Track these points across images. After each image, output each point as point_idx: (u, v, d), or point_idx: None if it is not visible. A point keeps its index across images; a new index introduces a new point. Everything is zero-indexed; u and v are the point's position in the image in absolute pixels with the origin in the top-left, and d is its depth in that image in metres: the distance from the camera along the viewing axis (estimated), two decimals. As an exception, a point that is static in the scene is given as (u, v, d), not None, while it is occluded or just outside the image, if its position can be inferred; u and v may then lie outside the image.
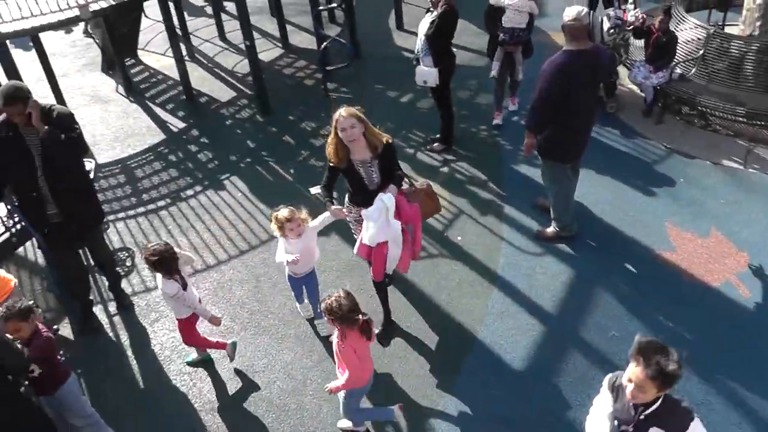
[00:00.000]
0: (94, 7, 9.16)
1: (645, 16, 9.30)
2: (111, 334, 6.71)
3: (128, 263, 7.68)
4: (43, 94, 10.84)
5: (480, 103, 9.69)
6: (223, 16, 13.19)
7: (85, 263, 7.06)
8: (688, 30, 9.60)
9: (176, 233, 8.01)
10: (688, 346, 5.79)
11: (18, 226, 6.93)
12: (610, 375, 4.00)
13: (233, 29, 12.68)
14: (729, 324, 6.13)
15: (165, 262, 5.52)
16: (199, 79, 11.58)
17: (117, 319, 6.90)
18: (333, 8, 12.22)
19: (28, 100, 5.56)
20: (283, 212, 5.81)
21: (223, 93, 11.19)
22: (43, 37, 10.22)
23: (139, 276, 7.45)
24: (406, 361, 6.05)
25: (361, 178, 5.67)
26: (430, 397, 5.71)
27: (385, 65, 11.37)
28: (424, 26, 8.07)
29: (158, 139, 10.21)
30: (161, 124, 10.61)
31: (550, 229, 7.19)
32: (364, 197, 5.70)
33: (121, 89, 11.82)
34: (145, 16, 13.47)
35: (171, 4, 11.38)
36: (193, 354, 6.35)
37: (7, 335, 4.69)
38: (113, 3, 9.34)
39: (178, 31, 11.65)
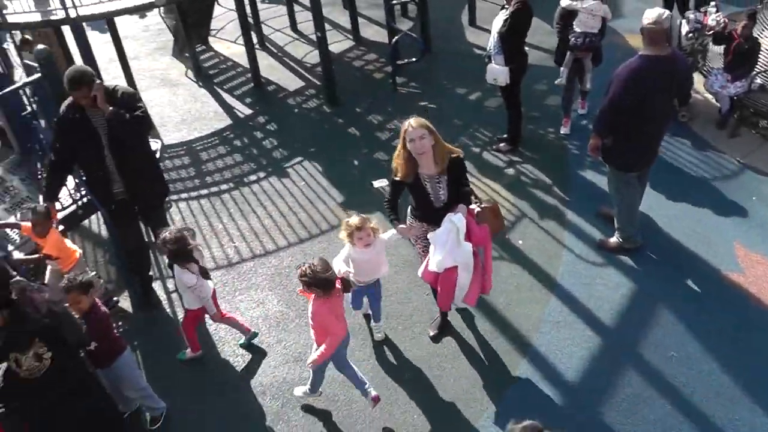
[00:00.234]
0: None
1: (727, 21, 8.83)
2: (168, 311, 6.80)
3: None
4: (114, 75, 11.20)
5: (550, 104, 9.51)
6: (296, 7, 13.25)
7: (147, 240, 7.15)
8: (774, 37, 9.05)
9: (237, 217, 8.08)
10: (753, 374, 5.60)
11: (84, 200, 7.09)
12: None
13: (305, 20, 12.74)
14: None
15: (181, 250, 5.57)
16: (268, 67, 11.67)
17: (175, 296, 6.97)
18: (406, 2, 12.17)
19: (92, 83, 5.72)
20: (354, 220, 5.55)
21: (291, 82, 11.25)
22: (118, 20, 10.44)
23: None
24: (459, 362, 5.97)
25: (427, 194, 5.38)
26: (480, 400, 5.62)
27: (455, 61, 11.25)
28: (497, 23, 7.93)
29: (224, 124, 10.32)
30: (228, 109, 10.72)
31: (613, 240, 7.01)
32: (428, 214, 5.46)
33: (190, 74, 12.01)
34: (218, 4, 13.64)
35: (245, -7, 11.50)
36: (188, 351, 6.30)
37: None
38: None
39: (250, 20, 11.75)
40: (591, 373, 5.77)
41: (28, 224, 6.12)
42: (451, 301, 5.57)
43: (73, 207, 7.11)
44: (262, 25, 12.79)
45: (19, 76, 7.78)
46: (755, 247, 6.96)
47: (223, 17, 13.85)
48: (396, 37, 10.38)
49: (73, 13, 8.58)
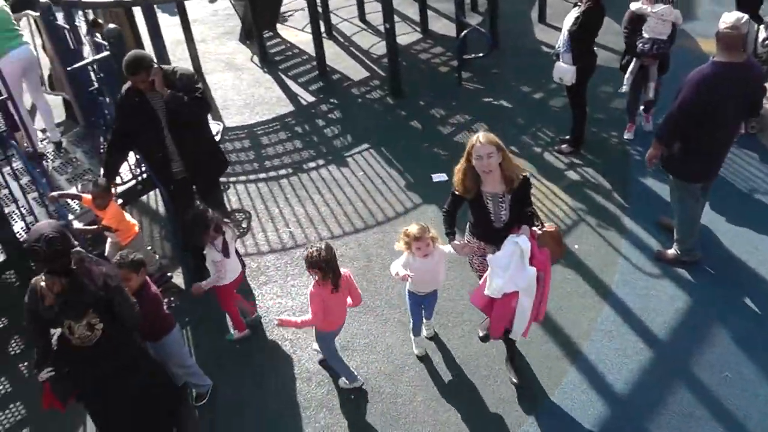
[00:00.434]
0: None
1: None
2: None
3: (244, 225, 7.83)
4: (180, 57, 11.42)
5: (615, 107, 9.28)
6: (366, -3, 13.25)
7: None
8: None
9: (294, 202, 8.12)
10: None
11: (144, 176, 7.24)
12: None
13: (374, 10, 12.73)
14: None
15: (203, 224, 5.67)
16: (334, 56, 11.68)
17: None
18: (477, -4, 12.08)
19: (150, 68, 5.84)
20: (413, 228, 5.31)
21: (356, 72, 11.24)
22: (188, 4, 10.60)
23: (253, 239, 7.61)
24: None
25: (488, 213, 5.10)
26: (527, 404, 5.55)
27: (522, 58, 11.09)
28: (568, 21, 7.79)
29: (287, 110, 10.37)
30: (291, 96, 10.77)
31: (671, 251, 6.80)
32: (487, 233, 5.22)
33: (256, 59, 12.09)
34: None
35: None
36: (235, 332, 6.40)
37: None
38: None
39: (319, 9, 11.78)
40: (640, 387, 5.62)
41: (89, 196, 6.25)
42: (504, 328, 5.27)
43: (133, 182, 7.25)
44: (331, 14, 12.81)
45: (87, 54, 7.95)
46: (821, 269, 6.71)
47: (292, 4, 13.94)
48: (464, 32, 10.27)
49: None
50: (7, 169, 6.75)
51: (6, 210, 6.53)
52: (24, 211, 6.73)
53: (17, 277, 7.07)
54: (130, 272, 4.98)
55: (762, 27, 8.25)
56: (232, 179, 8.69)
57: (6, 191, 6.89)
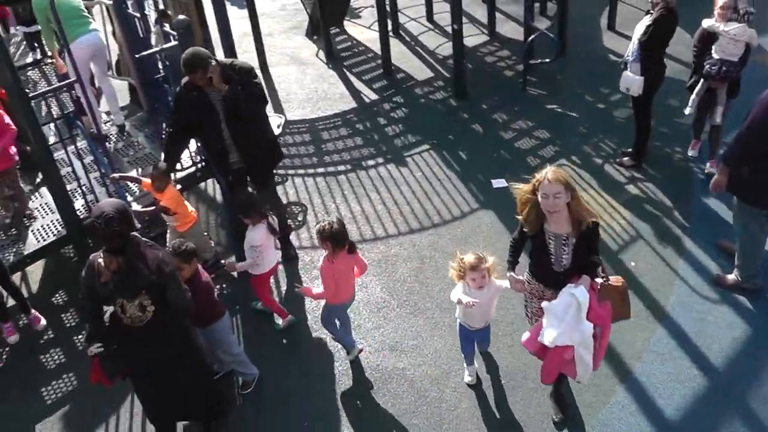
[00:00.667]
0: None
1: None
2: (271, 282, 6.89)
3: (300, 218, 7.89)
4: (246, 49, 11.58)
5: (681, 122, 8.92)
6: (434, -3, 13.20)
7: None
8: None
9: (350, 199, 8.13)
10: None
11: (203, 163, 7.36)
12: None
13: (442, 11, 12.69)
14: None
15: (253, 205, 5.86)
16: (400, 55, 11.66)
17: (280, 268, 7.11)
18: (547, 0, 11.88)
19: (208, 66, 5.92)
20: (469, 258, 5.04)
21: (420, 72, 11.20)
22: (257, -2, 10.69)
23: (308, 232, 7.64)
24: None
25: (548, 254, 4.71)
26: (572, 420, 5.44)
27: (589, 65, 10.89)
28: (639, 29, 7.52)
29: (349, 106, 10.39)
30: (354, 93, 10.79)
31: (732, 277, 6.53)
32: (546, 276, 4.84)
33: (321, 55, 12.14)
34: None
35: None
36: (279, 320, 6.49)
37: None
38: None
39: (387, 7, 11.77)
40: (692, 415, 5.42)
41: (148, 180, 6.37)
42: (554, 378, 5.03)
43: (192, 169, 7.36)
44: (399, 13, 12.80)
45: (154, 42, 8.13)
46: None
47: (359, 2, 13.98)
48: (532, 36, 10.13)
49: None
50: (71, 148, 6.95)
51: (68, 187, 6.70)
52: (85, 190, 6.93)
53: (76, 253, 7.25)
54: (181, 262, 5.05)
55: None
56: (291, 172, 8.75)
57: (69, 169, 7.08)
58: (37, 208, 7.22)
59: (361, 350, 5.96)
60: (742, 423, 5.31)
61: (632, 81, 7.63)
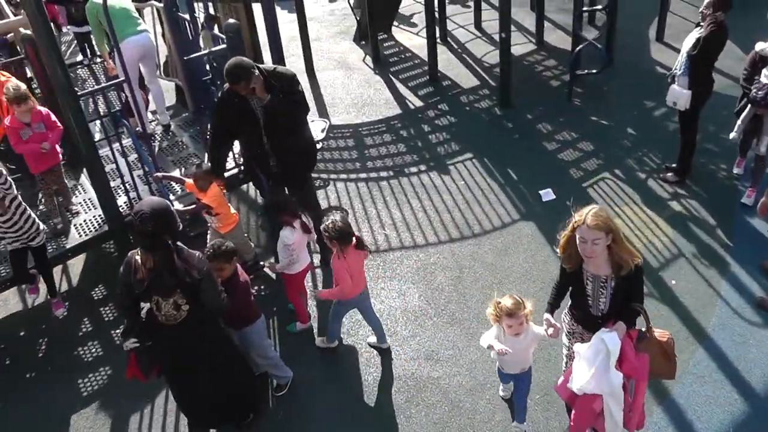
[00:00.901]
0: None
1: None
2: (309, 283, 6.94)
3: (340, 223, 7.91)
4: (293, 53, 11.73)
5: (727, 138, 8.43)
6: (483, 5, 13.15)
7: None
8: None
9: (392, 205, 8.13)
10: None
11: (245, 166, 7.40)
12: None
13: (490, 18, 12.65)
14: None
15: (286, 205, 5.95)
16: (446, 62, 11.64)
17: (318, 272, 7.16)
18: (596, 10, 11.74)
19: (251, 77, 5.99)
20: (507, 303, 4.68)
21: (466, 80, 11.16)
22: (307, 2, 10.73)
23: (348, 238, 7.64)
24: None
25: (585, 296, 4.44)
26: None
27: (635, 77, 10.72)
28: (688, 42, 7.36)
29: (394, 112, 10.40)
30: (400, 99, 10.79)
31: (775, 300, 6.38)
32: (584, 318, 4.57)
33: (368, 60, 12.19)
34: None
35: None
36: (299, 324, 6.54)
37: None
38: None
39: (436, 14, 11.76)
40: (731, 440, 5.30)
41: (191, 181, 6.46)
42: (584, 430, 4.65)
43: (235, 170, 7.44)
44: (447, 20, 12.77)
45: (203, 44, 8.27)
46: None
47: (409, 8, 13.99)
48: (580, 46, 10.02)
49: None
50: (116, 146, 7.08)
51: (112, 184, 6.84)
52: (128, 187, 7.07)
53: (116, 248, 7.40)
54: (222, 262, 5.11)
55: None
56: (333, 176, 8.79)
57: (113, 166, 7.21)
58: (80, 203, 7.38)
59: (334, 348, 6.26)
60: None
61: (680, 95, 7.48)
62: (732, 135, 7.55)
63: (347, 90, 11.18)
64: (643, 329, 4.48)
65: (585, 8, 10.89)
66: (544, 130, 9.57)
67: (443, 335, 6.33)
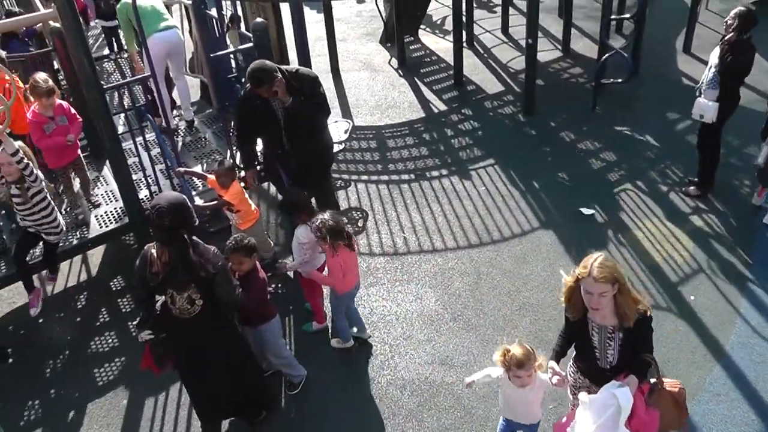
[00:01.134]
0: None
1: None
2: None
3: (359, 223, 7.93)
4: (319, 53, 11.79)
5: (751, 154, 8.58)
6: (510, 10, 13.13)
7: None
8: None
9: (412, 209, 8.13)
10: None
11: (267, 163, 7.44)
12: None
13: (517, 24, 12.62)
14: None
15: (302, 205, 5.95)
16: (472, 66, 11.64)
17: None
18: (624, 19, 11.67)
19: (273, 80, 6.03)
20: (517, 351, 4.32)
21: (491, 85, 11.15)
22: (334, 3, 10.75)
23: (367, 238, 7.68)
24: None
25: (592, 348, 4.19)
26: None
27: (661, 88, 10.64)
28: (714, 56, 7.28)
29: (417, 116, 10.41)
30: (424, 102, 10.80)
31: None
32: (591, 370, 4.32)
33: (393, 62, 12.22)
34: (436, -1, 13.80)
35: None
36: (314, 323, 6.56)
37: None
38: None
39: (464, 18, 11.76)
40: (745, 459, 5.22)
41: (213, 177, 6.50)
42: None
43: (258, 167, 7.47)
44: (474, 24, 12.77)
45: (229, 42, 8.35)
46: None
47: (435, 12, 13.99)
48: (606, 55, 9.95)
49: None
50: (139, 139, 7.14)
51: (134, 177, 6.90)
52: (150, 181, 7.13)
53: (136, 240, 7.48)
54: (243, 256, 5.13)
55: None
56: (354, 177, 8.80)
57: (136, 160, 7.28)
58: (102, 194, 7.46)
59: (350, 348, 6.28)
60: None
61: (706, 108, 7.40)
62: (760, 160, 7.40)
63: (372, 92, 11.21)
64: (653, 380, 4.26)
65: (613, 16, 10.83)
66: (567, 138, 9.53)
67: (458, 341, 6.32)
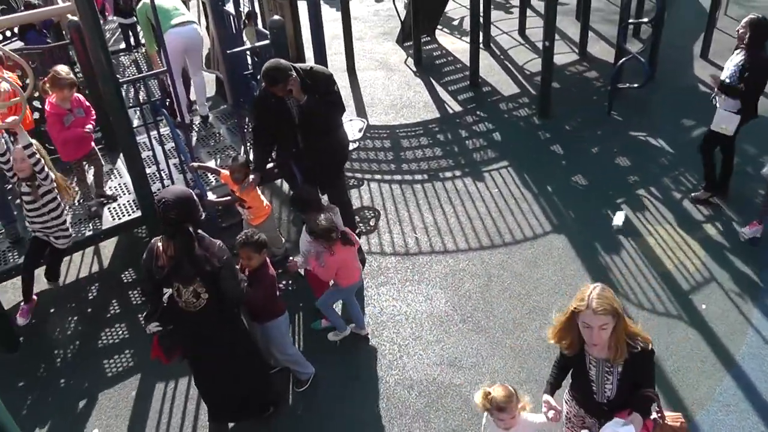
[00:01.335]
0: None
1: None
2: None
3: (371, 222, 7.93)
4: (335, 51, 11.82)
5: (765, 162, 8.34)
6: (528, 12, 13.09)
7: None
8: None
9: (424, 209, 8.13)
10: None
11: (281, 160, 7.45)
12: None
13: (534, 26, 12.60)
14: None
15: (311, 201, 5.98)
16: (488, 67, 11.62)
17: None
18: (642, 23, 11.60)
19: (288, 79, 6.05)
20: (498, 393, 4.05)
21: (507, 87, 11.13)
22: (352, 1, 10.76)
23: (378, 238, 7.68)
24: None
25: (588, 381, 3.96)
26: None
27: (677, 94, 10.57)
28: (730, 65, 7.20)
29: (432, 116, 10.40)
30: (439, 102, 10.79)
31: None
32: (587, 404, 4.13)
33: (410, 62, 12.21)
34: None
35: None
36: (323, 321, 6.56)
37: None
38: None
39: (481, 19, 11.74)
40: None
41: (226, 172, 6.52)
42: None
43: (271, 165, 7.49)
44: (491, 25, 12.74)
45: (246, 39, 8.39)
46: None
47: (453, 12, 13.97)
48: (623, 59, 9.90)
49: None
50: (154, 133, 7.18)
51: (147, 171, 6.92)
52: (163, 175, 7.16)
53: (148, 233, 7.51)
54: (252, 252, 5.14)
55: None
56: (367, 176, 8.81)
57: (150, 153, 7.31)
58: (115, 187, 7.50)
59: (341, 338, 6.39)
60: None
61: (729, 119, 7.27)
62: (765, 170, 7.28)
63: (387, 91, 11.21)
64: (654, 415, 4.06)
65: (631, 20, 10.76)
66: (582, 142, 9.49)
67: (467, 342, 6.32)
